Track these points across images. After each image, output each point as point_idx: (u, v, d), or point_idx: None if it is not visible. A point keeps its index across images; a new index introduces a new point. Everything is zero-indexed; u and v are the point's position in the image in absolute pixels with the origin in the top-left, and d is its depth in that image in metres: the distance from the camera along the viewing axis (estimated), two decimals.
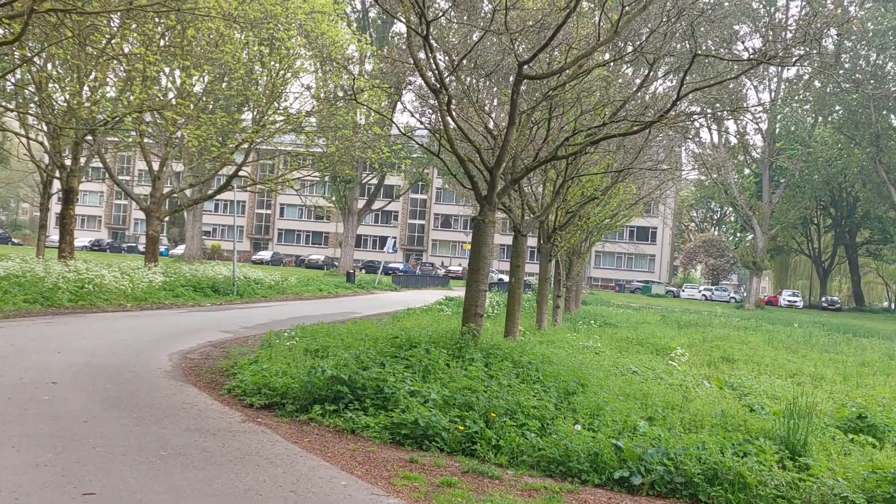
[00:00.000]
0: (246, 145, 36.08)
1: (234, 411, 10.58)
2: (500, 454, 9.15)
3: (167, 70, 32.94)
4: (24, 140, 38.15)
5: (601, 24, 13.69)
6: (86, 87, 29.46)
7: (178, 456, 8.08)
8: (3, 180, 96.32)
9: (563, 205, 22.30)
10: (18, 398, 10.03)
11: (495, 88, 20.77)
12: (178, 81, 33.00)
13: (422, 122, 19.22)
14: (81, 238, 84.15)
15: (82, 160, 34.42)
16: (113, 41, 26.47)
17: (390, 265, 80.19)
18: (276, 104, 34.91)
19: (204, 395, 11.50)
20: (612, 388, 12.75)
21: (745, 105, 36.33)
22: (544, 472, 8.83)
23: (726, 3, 20.11)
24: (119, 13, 24.67)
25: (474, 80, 18.76)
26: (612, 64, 17.44)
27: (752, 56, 13.48)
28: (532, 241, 41.30)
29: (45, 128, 34.23)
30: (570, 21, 14.06)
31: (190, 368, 13.87)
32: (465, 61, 15.29)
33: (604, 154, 21.81)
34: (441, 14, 15.07)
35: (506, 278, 58.44)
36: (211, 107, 34.45)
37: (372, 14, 59.96)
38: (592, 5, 17.33)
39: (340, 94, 33.88)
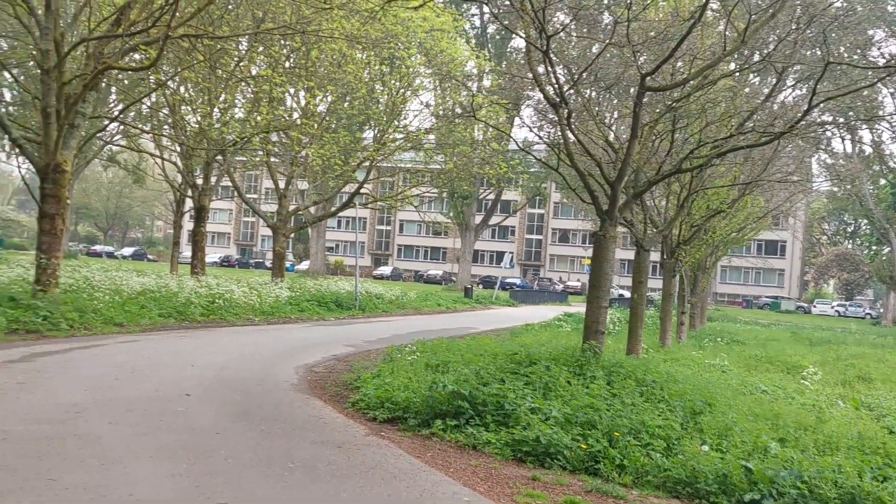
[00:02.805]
0: (367, 163, 36.75)
1: (358, 425, 10.72)
2: (625, 474, 8.97)
3: (292, 91, 33.89)
4: (158, 161, 39.93)
5: (727, 33, 13.35)
6: (216, 109, 30.62)
7: (306, 468, 8.23)
8: (139, 199, 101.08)
9: (687, 219, 21.80)
10: (154, 410, 10.43)
11: (616, 101, 20.51)
12: (303, 102, 33.91)
13: (540, 137, 19.14)
14: (212, 254, 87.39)
15: (213, 179, 35.75)
16: (241, 64, 27.45)
17: (507, 280, 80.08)
18: (396, 122, 35.45)
19: (328, 409, 11.70)
20: (741, 408, 12.33)
21: (881, 113, 34.76)
22: (670, 493, 8.61)
23: (860, 8, 19.26)
24: (247, 37, 25.55)
25: (594, 93, 18.58)
26: (738, 74, 16.97)
27: (889, 62, 12.87)
28: (655, 256, 40.53)
29: (178, 148, 35.70)
30: (695, 31, 13.75)
31: (315, 381, 14.14)
32: (584, 74, 15.15)
33: (730, 166, 21.22)
34: (561, 29, 14.99)
35: (627, 294, 57.49)
36: (334, 126, 35.24)
37: (490, 30, 60.27)
38: (717, 15, 16.92)
39: (459, 110, 34.11)
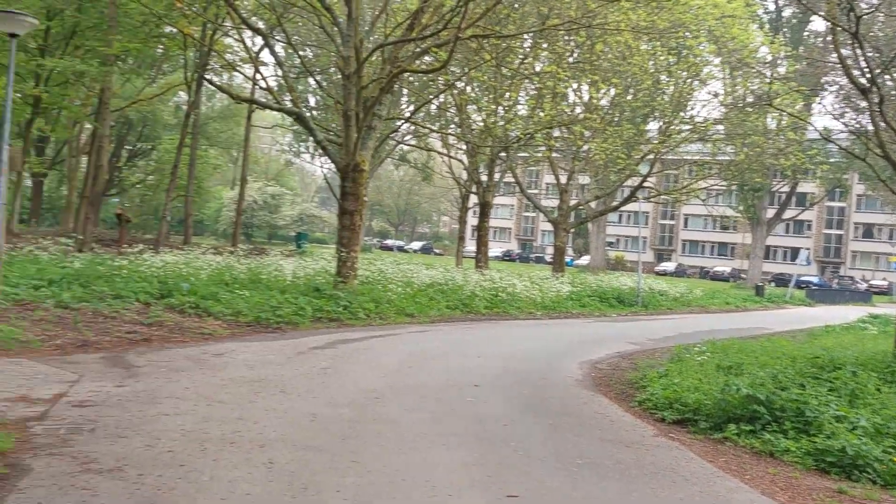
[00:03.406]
0: (651, 156, 35.99)
1: (645, 424, 10.47)
2: None
3: (575, 85, 33.89)
4: (445, 159, 41.52)
5: None
6: (500, 107, 31.29)
7: (594, 466, 8.13)
8: (427, 196, 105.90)
9: None
10: (446, 399, 10.78)
11: None
12: (586, 96, 33.81)
13: (845, 125, 17.73)
14: (494, 249, 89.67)
15: (496, 176, 36.58)
16: (525, 61, 27.81)
17: (803, 278, 75.22)
18: (683, 113, 34.41)
19: (615, 406, 11.53)
20: None
21: None
22: None
23: None
24: (531, 34, 25.85)
25: None
26: None
27: None
28: None
29: (464, 146, 36.89)
30: None
31: (600, 378, 14.02)
32: None
33: None
34: (873, 9, 13.76)
35: None
36: (617, 119, 34.83)
37: (786, 13, 56.85)
38: None
39: (750, 99, 32.46)
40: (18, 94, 29.56)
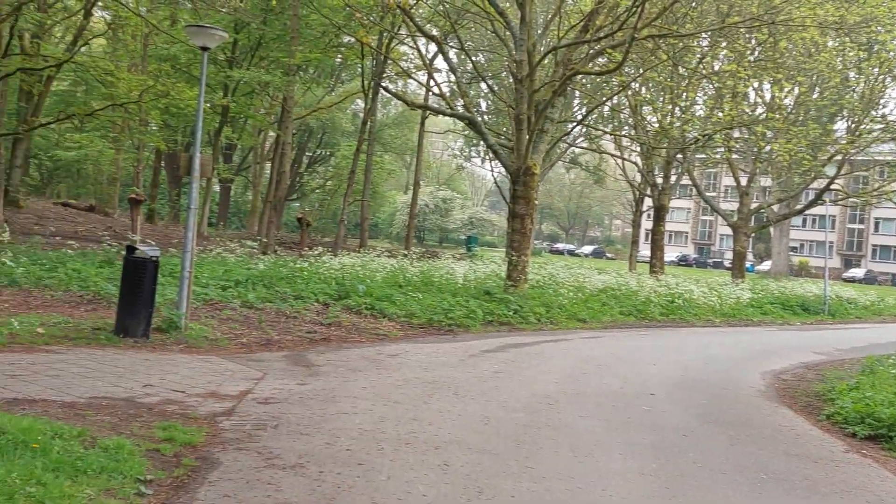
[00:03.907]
0: (839, 157, 34.09)
1: (834, 439, 9.86)
2: None
3: (756, 84, 32.56)
4: (618, 161, 40.84)
5: None
6: (677, 108, 30.47)
7: (780, 481, 7.71)
8: (598, 199, 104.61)
9: None
10: (621, 406, 10.54)
11: None
12: (768, 95, 32.43)
13: None
14: (669, 253, 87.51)
15: (672, 178, 35.66)
16: (703, 60, 26.96)
17: None
18: (874, 112, 32.42)
19: (800, 419, 10.93)
20: None
21: None
22: None
23: None
24: (710, 32, 25.03)
25: None
26: None
27: None
28: None
29: (638, 148, 36.17)
30: None
31: (783, 389, 13.34)
32: None
33: None
34: None
35: None
36: (801, 119, 33.20)
37: None
38: None
39: None
40: (208, 104, 31.32)
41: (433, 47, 35.67)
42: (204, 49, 13.76)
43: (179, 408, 8.38)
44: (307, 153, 62.14)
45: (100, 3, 28.13)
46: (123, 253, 13.42)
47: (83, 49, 30.33)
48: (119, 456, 6.32)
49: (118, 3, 25.10)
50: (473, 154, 61.73)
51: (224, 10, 27.65)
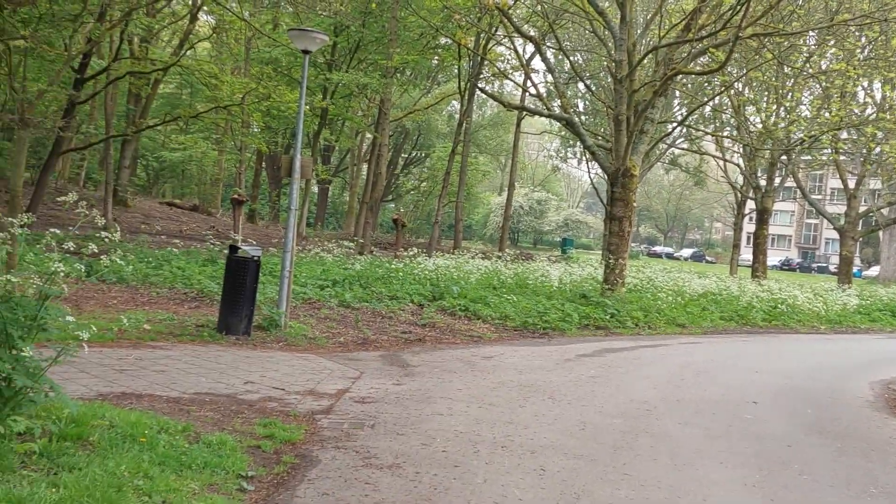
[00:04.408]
0: None
1: None
2: None
3: (865, 84, 31.41)
4: (720, 162, 39.94)
5: None
6: (781, 108, 29.62)
7: (890, 495, 7.37)
8: (698, 201, 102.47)
9: None
10: (722, 414, 10.26)
11: None
12: (878, 95, 31.24)
13: None
14: (772, 257, 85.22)
15: (776, 180, 34.70)
16: (811, 59, 26.13)
17: None
18: None
19: None
20: None
21: None
22: None
23: None
24: (817, 31, 24.26)
25: None
26: None
27: None
28: None
29: (740, 150, 35.29)
30: None
31: (894, 400, 12.79)
32: None
33: None
34: None
35: None
36: None
37: None
38: None
39: None
40: (308, 107, 31.87)
41: (530, 48, 35.59)
42: (305, 52, 14.00)
43: (279, 405, 8.52)
44: (403, 155, 62.71)
45: (205, 8, 28.94)
46: (226, 252, 13.77)
47: (188, 53, 31.22)
48: (222, 452, 6.46)
49: (223, 7, 25.74)
50: (570, 155, 61.33)
51: (324, 13, 28.07)
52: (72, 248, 6.17)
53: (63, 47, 21.78)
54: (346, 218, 54.77)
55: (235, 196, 24.11)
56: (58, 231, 6.34)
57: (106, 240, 6.39)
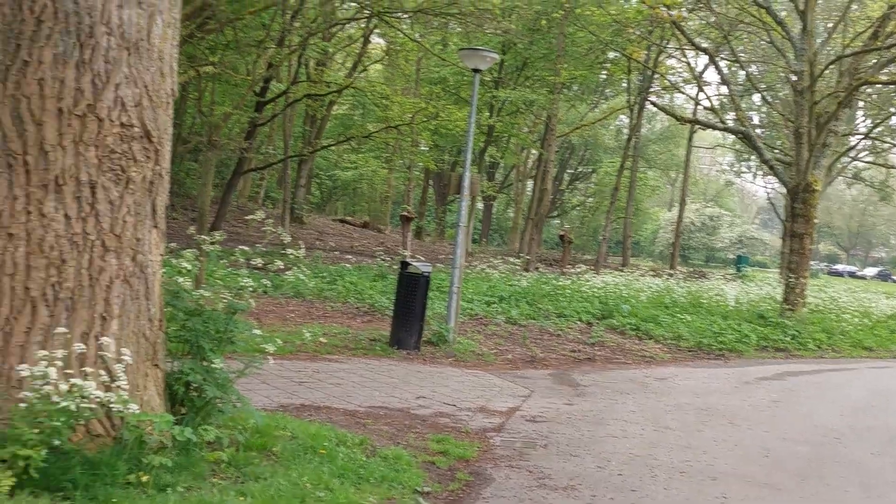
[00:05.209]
0: None
1: None
2: None
3: None
4: None
5: None
6: None
7: None
8: (884, 217, 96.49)
9: None
10: None
11: None
12: None
13: None
14: None
15: None
16: None
17: None
18: None
19: None
20: None
21: None
22: None
23: None
24: None
25: None
26: None
27: None
28: None
29: None
30: None
31: None
32: None
33: None
34: None
35: None
36: None
37: None
38: None
39: None
40: (475, 124, 32.19)
41: (702, 59, 34.63)
42: (476, 71, 14.11)
43: (451, 421, 8.55)
44: (568, 170, 62.29)
45: (377, 31, 29.77)
46: (396, 268, 14.03)
47: (361, 74, 32.20)
48: (398, 466, 6.51)
49: (395, 30, 26.39)
50: (744, 169, 59.18)
51: (492, 31, 28.33)
52: (259, 265, 6.41)
53: (246, 72, 22.96)
54: (510, 234, 54.93)
55: (405, 213, 24.55)
56: (246, 248, 6.60)
57: (291, 256, 6.61)
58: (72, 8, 5.07)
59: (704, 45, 26.24)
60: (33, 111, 5.01)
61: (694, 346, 16.22)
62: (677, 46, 28.13)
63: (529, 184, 50.47)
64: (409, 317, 12.63)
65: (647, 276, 24.47)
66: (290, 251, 6.59)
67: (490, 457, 7.36)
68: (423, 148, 38.17)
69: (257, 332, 6.29)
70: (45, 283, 5.03)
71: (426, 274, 12.91)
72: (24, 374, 4.66)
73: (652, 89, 33.49)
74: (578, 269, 23.99)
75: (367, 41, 30.53)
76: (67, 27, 5.07)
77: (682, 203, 43.76)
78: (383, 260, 21.23)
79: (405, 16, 24.25)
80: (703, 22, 26.37)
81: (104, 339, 5.14)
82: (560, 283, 21.03)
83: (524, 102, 34.39)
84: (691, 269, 41.94)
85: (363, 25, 29.00)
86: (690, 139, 42.37)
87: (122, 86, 5.26)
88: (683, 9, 22.21)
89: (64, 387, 4.59)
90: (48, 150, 5.03)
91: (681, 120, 26.36)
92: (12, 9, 5.06)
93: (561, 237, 31.56)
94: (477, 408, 9.32)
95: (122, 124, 5.26)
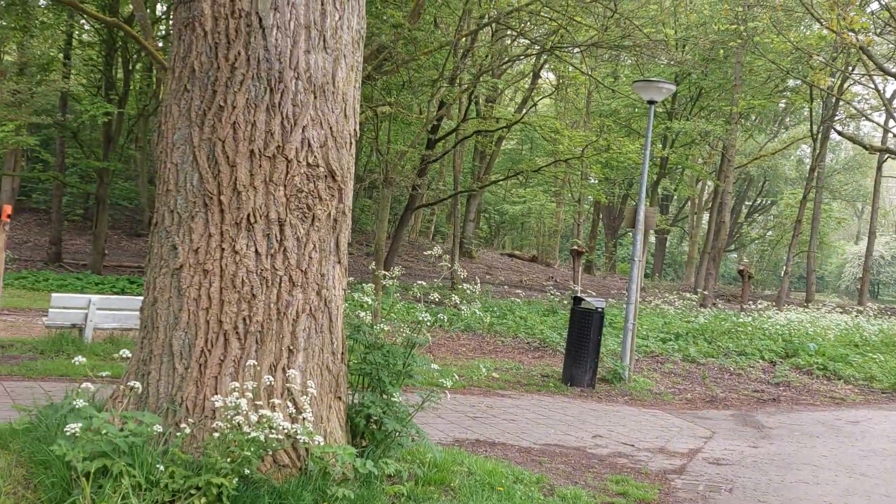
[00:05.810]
0: None
1: None
2: None
3: None
4: None
5: None
6: None
7: None
8: None
9: None
10: None
11: None
12: None
13: None
14: None
15: None
16: None
17: None
18: None
19: None
20: None
21: None
22: None
23: None
24: None
25: None
26: None
27: None
28: None
29: None
30: None
31: None
32: None
33: None
34: None
35: None
36: None
37: None
38: None
39: None
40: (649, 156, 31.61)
41: (892, 85, 32.74)
42: (651, 102, 13.87)
43: (630, 461, 8.30)
44: (746, 202, 60.08)
45: (547, 66, 29.83)
46: (566, 302, 13.87)
47: (531, 109, 32.31)
48: None
49: (566, 63, 26.35)
50: None
51: (665, 62, 27.82)
52: (436, 299, 6.46)
53: (419, 111, 23.50)
54: (685, 268, 53.41)
55: (575, 247, 24.33)
56: (423, 283, 6.68)
57: (468, 291, 6.62)
58: (263, 55, 5.31)
59: (895, 70, 24.78)
60: (227, 153, 5.27)
61: (888, 388, 15.13)
62: (864, 73, 26.67)
63: (705, 216, 49.06)
64: (583, 353, 12.43)
65: (834, 312, 23.11)
66: (466, 286, 6.61)
67: (672, 500, 7.07)
68: (592, 181, 37.82)
69: (435, 367, 6.32)
70: (236, 317, 5.24)
71: (600, 309, 12.70)
72: (217, 404, 4.84)
73: (836, 117, 31.90)
74: (759, 305, 22.99)
75: (536, 76, 30.63)
76: (259, 73, 5.32)
77: (871, 235, 41.23)
78: (553, 294, 21.07)
79: (576, 50, 24.14)
80: (893, 46, 24.93)
81: (291, 372, 5.29)
82: (740, 320, 20.21)
83: (699, 133, 33.50)
84: (883, 306, 39.37)
85: (533, 61, 29.12)
86: (880, 168, 39.96)
87: (309, 127, 5.45)
88: (872, 32, 21.07)
89: (254, 417, 4.73)
90: (241, 190, 5.27)
91: (869, 149, 24.93)
92: (209, 57, 5.35)
93: (740, 272, 30.40)
94: (656, 448, 9.02)
95: (308, 164, 5.44)
